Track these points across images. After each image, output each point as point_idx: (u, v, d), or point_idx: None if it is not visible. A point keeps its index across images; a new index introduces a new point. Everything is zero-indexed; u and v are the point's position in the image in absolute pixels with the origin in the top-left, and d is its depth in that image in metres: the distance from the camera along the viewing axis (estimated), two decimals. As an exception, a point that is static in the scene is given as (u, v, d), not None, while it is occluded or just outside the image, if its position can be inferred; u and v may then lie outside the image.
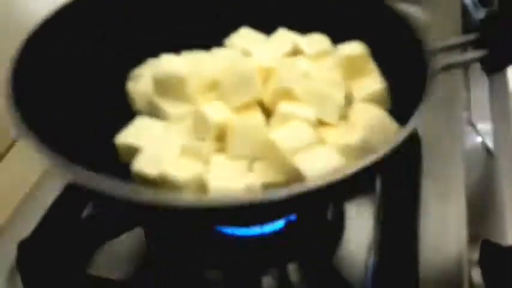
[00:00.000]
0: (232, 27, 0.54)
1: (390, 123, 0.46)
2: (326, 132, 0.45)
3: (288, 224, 0.48)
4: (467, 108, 0.67)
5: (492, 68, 0.48)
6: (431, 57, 0.44)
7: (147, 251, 0.50)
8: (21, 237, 0.49)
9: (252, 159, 0.43)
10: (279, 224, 0.49)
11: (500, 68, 0.49)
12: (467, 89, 0.69)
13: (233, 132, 0.43)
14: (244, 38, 0.53)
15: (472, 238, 0.52)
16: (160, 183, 0.42)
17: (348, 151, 0.43)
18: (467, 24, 0.78)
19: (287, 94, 0.46)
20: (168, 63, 0.48)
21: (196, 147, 0.43)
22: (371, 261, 0.48)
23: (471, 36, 0.48)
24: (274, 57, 0.50)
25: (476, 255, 0.52)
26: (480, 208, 0.58)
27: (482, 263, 0.50)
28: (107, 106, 0.48)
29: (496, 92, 0.71)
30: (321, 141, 0.43)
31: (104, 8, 0.50)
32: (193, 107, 0.46)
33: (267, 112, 0.46)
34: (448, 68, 0.46)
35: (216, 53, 0.52)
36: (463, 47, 0.48)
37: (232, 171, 0.42)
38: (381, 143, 0.43)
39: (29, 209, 0.53)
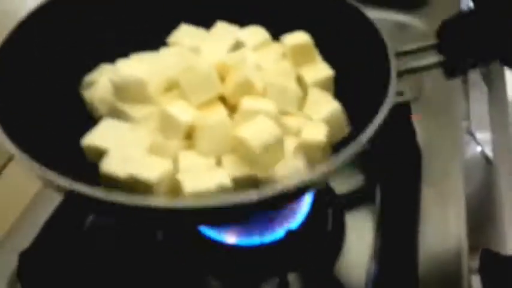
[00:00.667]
0: (172, 25, 0.53)
1: (343, 118, 0.48)
2: (288, 123, 0.47)
3: (288, 234, 0.48)
4: (467, 117, 0.67)
5: (450, 73, 0.49)
6: (392, 60, 0.45)
7: (146, 262, 0.50)
8: (22, 248, 0.49)
9: (220, 154, 0.44)
10: (279, 233, 0.49)
11: (459, 73, 0.50)
12: (467, 98, 0.70)
13: (200, 130, 0.44)
14: (186, 34, 0.53)
15: (472, 247, 0.52)
16: (129, 183, 0.42)
17: (314, 147, 0.45)
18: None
19: (248, 88, 0.47)
20: (125, 67, 0.48)
21: (164, 146, 0.44)
22: (371, 269, 0.48)
23: (431, 41, 0.49)
24: (223, 52, 0.51)
25: (476, 264, 0.52)
26: (480, 217, 0.58)
27: (483, 271, 0.50)
28: (71, 110, 0.48)
29: (495, 101, 0.71)
30: (285, 133, 0.44)
31: (58, 17, 0.49)
32: (156, 107, 0.46)
33: (230, 106, 0.47)
34: (409, 72, 0.47)
35: (166, 52, 0.52)
36: (424, 51, 0.49)
37: (202, 168, 0.43)
38: (335, 136, 0.46)
39: (30, 219, 0.53)
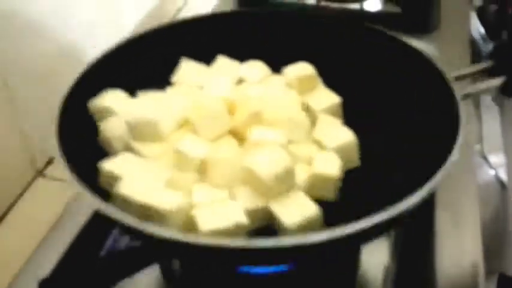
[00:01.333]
0: (174, 60, 0.55)
1: (357, 148, 0.48)
2: (298, 152, 0.47)
3: (301, 261, 0.48)
4: (479, 140, 0.67)
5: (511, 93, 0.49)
6: (454, 87, 0.45)
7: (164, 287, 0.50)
8: (42, 276, 0.49)
9: (232, 186, 0.45)
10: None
11: None
12: (479, 121, 0.70)
13: (212, 164, 0.45)
14: (189, 72, 0.55)
15: (488, 271, 0.52)
16: (141, 211, 0.42)
17: (326, 180, 0.46)
18: (475, 57, 0.78)
19: (258, 119, 0.48)
20: (139, 108, 0.49)
21: (179, 180, 0.45)
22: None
23: (483, 65, 0.49)
24: (228, 88, 0.52)
25: (493, 289, 0.52)
26: (495, 240, 0.58)
27: (500, 296, 0.50)
28: None
29: (508, 124, 0.71)
30: (295, 161, 0.45)
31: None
32: (169, 145, 0.47)
33: (239, 138, 0.48)
34: (467, 97, 0.47)
35: (173, 92, 0.53)
36: (476, 75, 0.50)
37: (216, 202, 0.43)
38: (345, 166, 0.47)
39: (49, 247, 0.54)
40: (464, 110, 0.44)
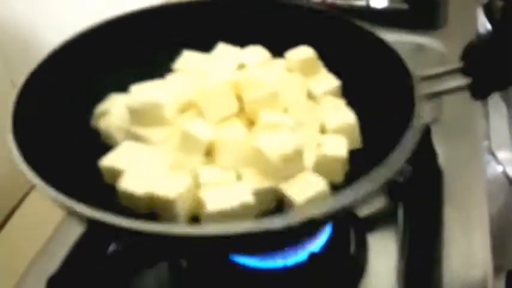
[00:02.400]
0: (175, 51, 0.55)
1: (358, 129, 0.48)
2: (307, 135, 0.47)
3: (311, 257, 0.48)
4: (487, 137, 0.67)
5: (479, 95, 0.50)
6: (416, 85, 0.46)
7: (171, 285, 0.50)
8: (50, 272, 0.49)
9: (240, 168, 0.44)
10: (302, 256, 0.49)
11: (487, 95, 0.51)
12: (486, 117, 0.70)
13: (220, 146, 0.45)
14: (190, 60, 0.54)
15: (496, 268, 0.52)
16: (148, 202, 0.42)
17: (334, 162, 0.46)
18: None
19: (271, 102, 0.48)
20: (140, 92, 0.49)
21: (184, 163, 0.44)
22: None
23: (455, 65, 0.49)
24: (229, 73, 0.52)
25: (501, 286, 0.52)
26: (503, 238, 0.57)
27: (508, 294, 0.50)
28: (87, 140, 0.49)
29: (515, 120, 0.71)
30: (304, 145, 0.45)
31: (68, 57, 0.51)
32: (174, 129, 0.47)
33: (248, 121, 0.48)
34: (434, 95, 0.48)
35: (174, 78, 0.53)
36: (453, 74, 0.50)
37: (223, 183, 0.43)
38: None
39: (57, 244, 0.54)
40: (421, 109, 0.44)
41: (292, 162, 0.43)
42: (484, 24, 0.82)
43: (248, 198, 0.41)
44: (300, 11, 0.57)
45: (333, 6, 0.82)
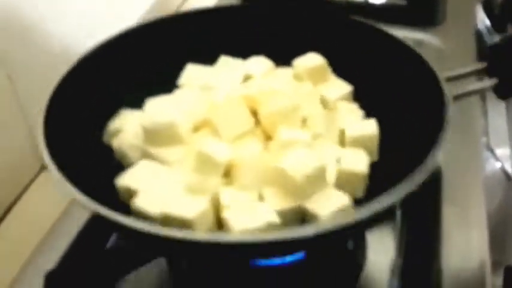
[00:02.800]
0: (179, 65, 0.55)
1: (377, 140, 0.48)
2: (326, 150, 0.47)
3: (309, 254, 0.48)
4: (485, 133, 0.67)
5: (505, 95, 0.49)
6: (444, 88, 0.45)
7: (170, 280, 0.50)
8: (48, 268, 0.49)
9: (261, 187, 0.44)
10: (300, 253, 0.49)
11: None
12: (485, 114, 0.70)
13: (239, 166, 0.44)
14: (195, 74, 0.54)
15: (494, 264, 0.52)
16: (162, 222, 0.41)
17: (354, 177, 0.45)
18: (482, 51, 0.78)
19: (288, 116, 0.47)
20: (153, 112, 0.48)
21: (202, 185, 0.43)
22: (393, 288, 0.48)
23: (481, 65, 0.49)
24: (236, 86, 0.52)
25: (499, 282, 0.52)
26: (501, 233, 0.58)
27: (506, 289, 0.50)
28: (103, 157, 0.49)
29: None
30: (324, 163, 0.44)
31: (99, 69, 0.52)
32: (189, 148, 0.46)
33: (265, 136, 0.48)
34: (461, 97, 0.47)
35: (182, 94, 0.52)
36: (474, 75, 0.50)
37: (246, 204, 0.42)
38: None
39: (55, 240, 0.54)
40: (451, 111, 0.43)
41: (316, 181, 0.43)
42: (483, 21, 0.82)
43: (273, 217, 0.41)
44: (303, 14, 0.57)
45: (333, 3, 0.82)
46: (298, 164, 0.42)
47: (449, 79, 0.48)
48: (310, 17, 0.57)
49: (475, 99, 0.68)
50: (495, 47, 0.49)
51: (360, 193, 0.46)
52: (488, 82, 0.48)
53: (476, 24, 0.82)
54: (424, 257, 0.50)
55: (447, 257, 0.51)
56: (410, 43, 0.51)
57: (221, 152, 0.44)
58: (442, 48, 0.76)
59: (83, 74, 0.50)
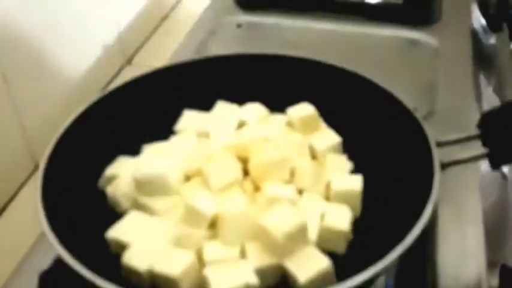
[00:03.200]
0: (177, 111, 0.56)
1: (360, 196, 0.49)
2: (310, 206, 0.48)
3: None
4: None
5: (496, 165, 0.49)
6: (435, 154, 0.46)
7: None
8: (42, 268, 0.49)
9: (244, 242, 0.45)
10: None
11: (504, 164, 0.51)
12: (480, 111, 0.70)
13: (224, 221, 0.45)
14: (191, 120, 0.56)
15: (490, 263, 0.52)
16: (151, 277, 0.43)
17: (336, 234, 0.46)
18: (477, 49, 0.78)
19: (277, 168, 0.49)
20: (146, 163, 0.50)
21: (189, 236, 0.45)
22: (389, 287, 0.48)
23: (469, 133, 0.49)
24: (231, 132, 0.54)
25: (495, 281, 0.52)
26: (497, 233, 0.57)
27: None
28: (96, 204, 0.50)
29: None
30: (306, 215, 0.46)
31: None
32: (179, 198, 0.48)
33: (254, 186, 0.49)
34: (451, 165, 0.47)
35: (178, 140, 0.54)
36: (466, 141, 0.50)
37: (228, 261, 0.44)
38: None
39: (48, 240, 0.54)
40: (438, 181, 0.44)
41: (297, 239, 0.43)
42: (478, 20, 0.82)
43: (252, 278, 0.42)
44: (300, 65, 0.58)
45: (328, 3, 0.82)
46: (280, 221, 0.43)
47: (440, 144, 0.48)
48: (308, 68, 0.58)
49: (470, 97, 0.68)
50: (488, 115, 0.49)
51: (342, 249, 0.46)
52: (480, 151, 0.48)
53: (472, 24, 0.82)
54: (420, 256, 0.50)
55: (443, 256, 0.51)
56: (408, 105, 0.51)
57: (208, 205, 0.46)
58: (438, 47, 0.76)
59: (84, 123, 0.52)
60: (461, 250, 0.52)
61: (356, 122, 0.55)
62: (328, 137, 0.54)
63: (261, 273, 0.43)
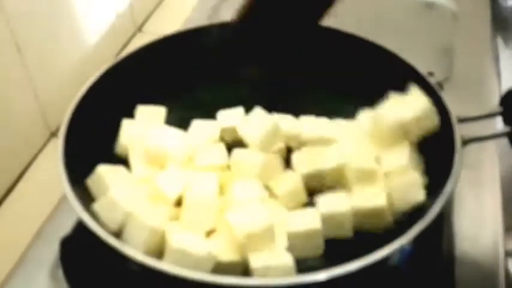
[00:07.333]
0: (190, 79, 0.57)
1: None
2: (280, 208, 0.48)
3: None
4: (498, 91, 0.66)
5: None
6: (457, 130, 0.46)
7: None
8: (63, 235, 0.50)
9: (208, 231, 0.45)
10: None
11: None
12: (498, 75, 0.69)
13: (186, 206, 0.45)
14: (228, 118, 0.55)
15: (507, 228, 0.52)
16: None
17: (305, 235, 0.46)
18: (495, 12, 0.77)
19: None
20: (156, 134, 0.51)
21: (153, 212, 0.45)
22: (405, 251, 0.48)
23: (491, 110, 0.49)
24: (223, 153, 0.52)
25: (511, 245, 0.52)
26: (513, 197, 0.57)
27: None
28: None
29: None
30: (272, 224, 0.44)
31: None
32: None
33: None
34: (472, 141, 0.47)
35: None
36: (488, 118, 0.49)
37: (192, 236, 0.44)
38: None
39: (68, 207, 0.54)
40: (461, 158, 0.44)
41: (260, 239, 0.43)
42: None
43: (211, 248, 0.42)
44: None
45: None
46: (244, 220, 0.43)
47: (461, 120, 0.48)
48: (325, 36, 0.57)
49: (488, 61, 0.67)
50: (511, 93, 0.48)
51: (318, 253, 0.45)
52: (502, 129, 0.48)
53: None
54: (438, 221, 0.50)
55: (460, 220, 0.51)
56: (431, 80, 0.50)
57: (171, 186, 0.46)
58: (455, 10, 0.74)
59: (98, 90, 0.52)
60: (479, 214, 0.52)
61: (378, 97, 0.53)
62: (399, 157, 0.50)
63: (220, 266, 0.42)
